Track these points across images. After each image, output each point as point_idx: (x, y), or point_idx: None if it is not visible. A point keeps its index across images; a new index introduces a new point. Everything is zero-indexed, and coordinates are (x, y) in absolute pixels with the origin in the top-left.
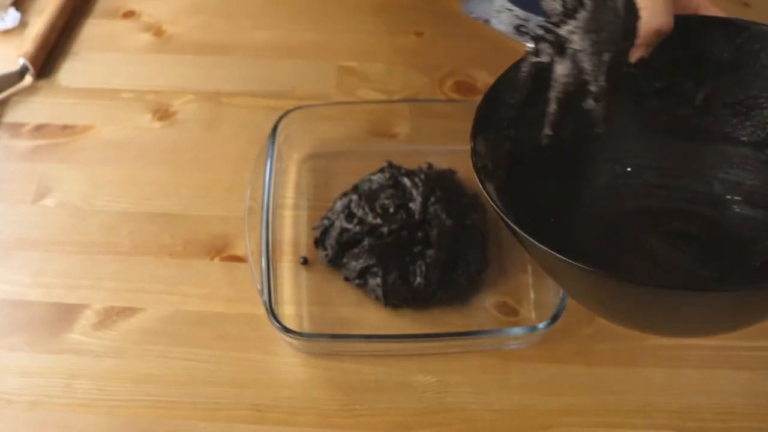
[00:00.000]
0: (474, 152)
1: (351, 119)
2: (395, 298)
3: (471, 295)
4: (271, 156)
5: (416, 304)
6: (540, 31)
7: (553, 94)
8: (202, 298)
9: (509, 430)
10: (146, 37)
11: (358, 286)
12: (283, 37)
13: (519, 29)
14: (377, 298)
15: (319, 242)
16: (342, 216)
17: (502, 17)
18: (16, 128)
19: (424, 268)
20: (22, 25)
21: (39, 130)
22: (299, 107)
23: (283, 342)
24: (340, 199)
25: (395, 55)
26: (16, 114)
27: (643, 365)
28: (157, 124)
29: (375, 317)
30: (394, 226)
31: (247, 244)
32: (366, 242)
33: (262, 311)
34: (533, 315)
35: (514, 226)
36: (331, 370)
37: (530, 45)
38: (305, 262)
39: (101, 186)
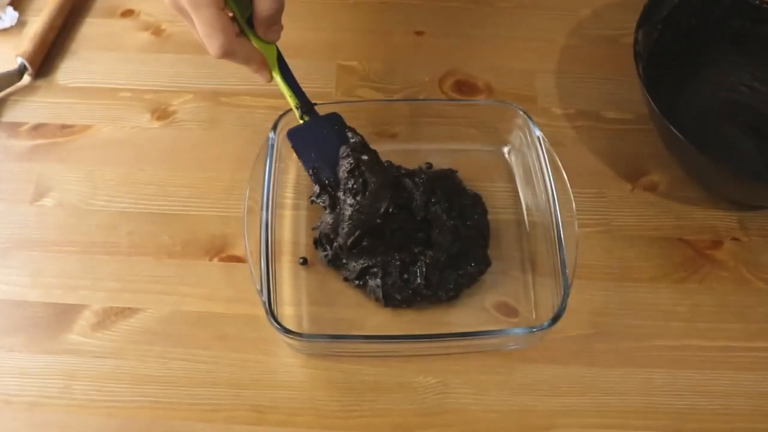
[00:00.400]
0: (635, 40)
1: (351, 119)
2: (395, 298)
3: (471, 295)
4: (270, 156)
5: (416, 305)
6: (327, 185)
7: (318, 231)
8: (201, 299)
9: (510, 431)
10: (145, 36)
11: (358, 287)
12: (283, 37)
13: (315, 173)
14: (377, 299)
15: (318, 242)
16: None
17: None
18: (14, 128)
19: (424, 269)
20: (20, 24)
21: (37, 129)
22: None
23: (283, 343)
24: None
25: (395, 55)
26: (15, 114)
27: (643, 366)
28: (156, 124)
29: (375, 318)
30: (395, 227)
31: (246, 245)
32: (365, 243)
33: (261, 312)
34: (533, 315)
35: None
36: (331, 370)
37: (317, 188)
38: (305, 262)
39: (100, 186)
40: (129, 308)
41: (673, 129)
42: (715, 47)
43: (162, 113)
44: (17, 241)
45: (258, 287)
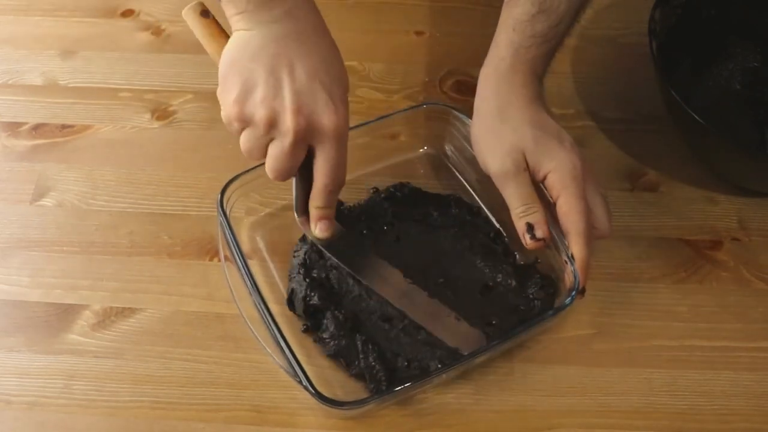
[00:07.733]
0: (651, 17)
1: (350, 119)
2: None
3: None
4: None
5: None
6: None
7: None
8: (201, 299)
9: (510, 431)
10: (145, 36)
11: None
12: None
13: None
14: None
15: (289, 303)
16: (300, 277)
17: None
18: (14, 128)
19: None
20: None
21: (37, 129)
22: None
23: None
24: (295, 253)
25: (395, 55)
26: (15, 113)
27: (644, 366)
28: (156, 124)
29: None
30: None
31: (236, 245)
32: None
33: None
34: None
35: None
36: (330, 370)
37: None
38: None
39: (100, 186)
40: (129, 308)
41: (686, 108)
42: (733, 39)
43: (162, 113)
44: (17, 241)
45: (247, 288)
